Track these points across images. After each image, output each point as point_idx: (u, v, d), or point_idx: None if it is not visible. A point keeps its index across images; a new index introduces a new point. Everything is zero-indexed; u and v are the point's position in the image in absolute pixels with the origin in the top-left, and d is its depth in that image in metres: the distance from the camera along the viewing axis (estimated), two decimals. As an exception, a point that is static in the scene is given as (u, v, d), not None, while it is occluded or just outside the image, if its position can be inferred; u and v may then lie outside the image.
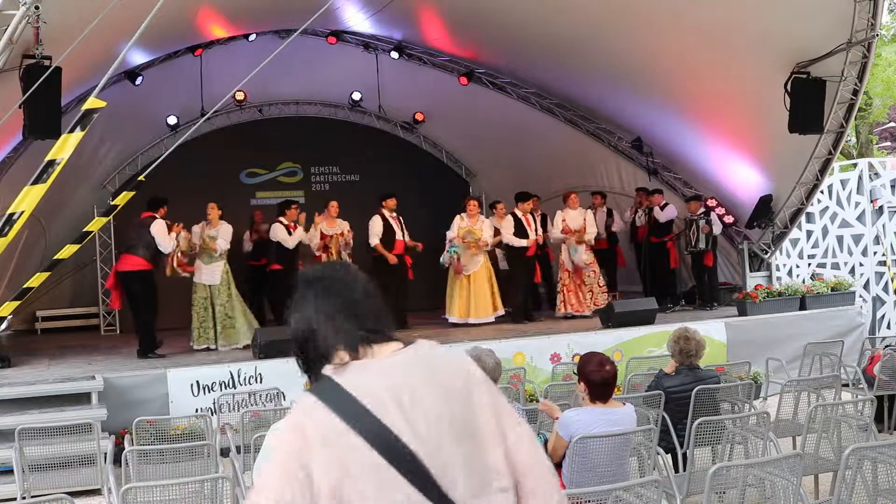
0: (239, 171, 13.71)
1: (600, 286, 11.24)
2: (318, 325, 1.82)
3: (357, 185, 13.78)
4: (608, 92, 11.84)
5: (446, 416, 1.72)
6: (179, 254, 9.29)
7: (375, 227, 10.51)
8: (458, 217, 10.71)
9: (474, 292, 10.57)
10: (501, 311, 10.69)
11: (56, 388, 7.22)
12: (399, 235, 10.60)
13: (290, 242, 10.20)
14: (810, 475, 5.24)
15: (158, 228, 8.90)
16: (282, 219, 10.35)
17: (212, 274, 9.51)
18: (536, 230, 11.02)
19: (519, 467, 1.77)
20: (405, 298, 10.89)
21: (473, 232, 10.52)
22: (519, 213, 10.87)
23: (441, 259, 10.64)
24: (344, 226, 10.50)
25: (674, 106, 11.07)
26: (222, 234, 9.57)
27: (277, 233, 10.28)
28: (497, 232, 11.19)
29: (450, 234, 10.65)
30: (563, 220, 11.22)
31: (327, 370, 1.79)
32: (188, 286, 9.63)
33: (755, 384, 8.33)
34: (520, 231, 10.79)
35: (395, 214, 10.68)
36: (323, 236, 10.38)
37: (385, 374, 1.75)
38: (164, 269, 9.31)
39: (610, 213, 12.50)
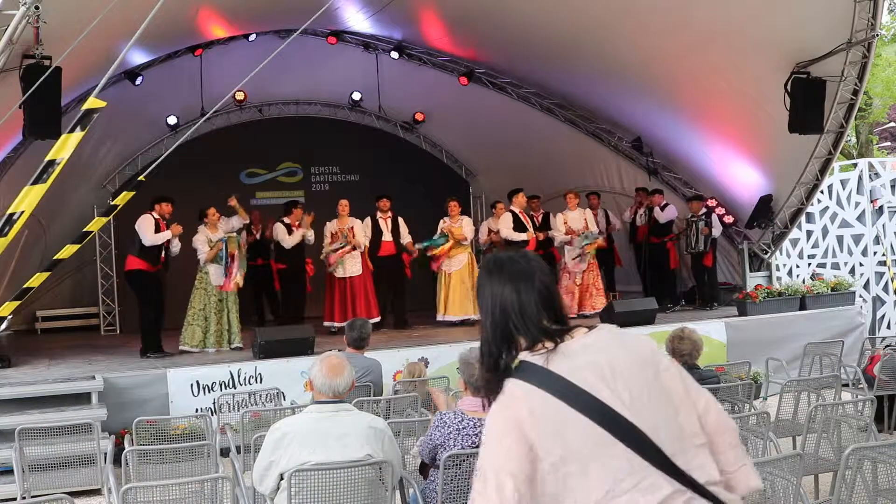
0: (239, 171, 13.71)
1: (598, 288, 11.22)
2: (521, 315, 1.95)
3: (357, 185, 13.78)
4: (608, 92, 11.84)
5: (644, 385, 1.89)
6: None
7: (365, 228, 10.74)
8: (441, 221, 10.88)
9: (452, 290, 10.65)
10: (475, 316, 10.71)
11: (56, 388, 7.22)
12: (387, 237, 10.71)
13: (287, 242, 10.32)
14: (810, 475, 5.24)
15: (140, 223, 8.90)
16: (285, 219, 10.47)
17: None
18: (536, 228, 11.07)
19: (710, 428, 1.95)
20: (402, 297, 10.97)
21: (452, 231, 10.68)
22: (516, 210, 10.89)
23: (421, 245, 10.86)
24: (356, 224, 10.53)
25: (674, 106, 11.07)
26: (232, 226, 9.62)
27: (277, 232, 10.45)
28: (490, 232, 11.24)
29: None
30: (565, 222, 11.23)
31: (526, 356, 1.92)
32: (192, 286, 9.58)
33: (755, 384, 8.31)
34: (518, 226, 10.84)
35: (388, 215, 10.76)
36: (333, 236, 10.44)
37: (585, 352, 1.91)
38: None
39: (606, 214, 12.49)
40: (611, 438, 1.81)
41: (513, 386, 1.89)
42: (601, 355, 1.91)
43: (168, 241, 9.02)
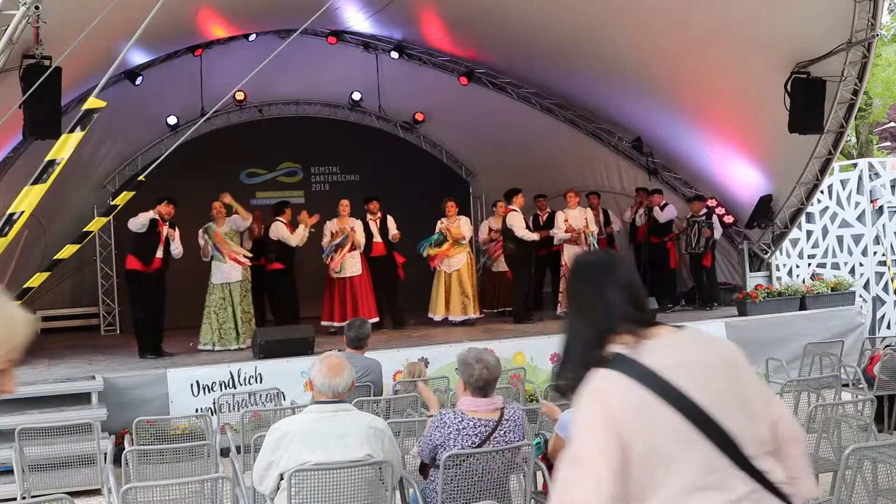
0: (239, 171, 13.70)
1: None
2: (606, 309, 2.01)
3: (357, 185, 13.76)
4: (608, 92, 11.84)
5: (728, 386, 1.93)
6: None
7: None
8: (439, 222, 10.87)
9: (451, 291, 10.66)
10: (475, 315, 10.72)
11: (56, 388, 7.22)
12: (377, 238, 10.73)
13: (292, 240, 10.33)
14: (810, 475, 5.23)
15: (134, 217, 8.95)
16: (280, 218, 10.49)
17: (231, 271, 9.50)
18: (541, 227, 11.13)
19: (781, 436, 2.00)
20: (396, 297, 10.99)
21: (451, 230, 10.67)
22: (517, 209, 10.88)
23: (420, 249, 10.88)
24: (357, 225, 10.54)
25: (674, 106, 11.07)
26: (237, 225, 9.64)
27: (279, 231, 10.41)
28: (490, 231, 11.22)
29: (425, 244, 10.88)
30: (566, 220, 11.24)
31: (616, 349, 1.96)
32: (199, 286, 9.58)
33: (755, 384, 8.32)
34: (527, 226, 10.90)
35: (377, 216, 10.83)
36: (332, 235, 10.47)
37: (673, 350, 1.95)
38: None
39: (605, 213, 12.49)
40: (696, 434, 1.84)
41: (604, 376, 1.92)
42: (688, 353, 1.95)
43: (164, 241, 9.01)
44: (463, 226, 10.78)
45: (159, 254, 9.00)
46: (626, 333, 1.98)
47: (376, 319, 10.29)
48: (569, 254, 11.15)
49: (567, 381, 2.01)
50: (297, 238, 10.37)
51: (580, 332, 2.02)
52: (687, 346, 1.97)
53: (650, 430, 1.84)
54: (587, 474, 1.82)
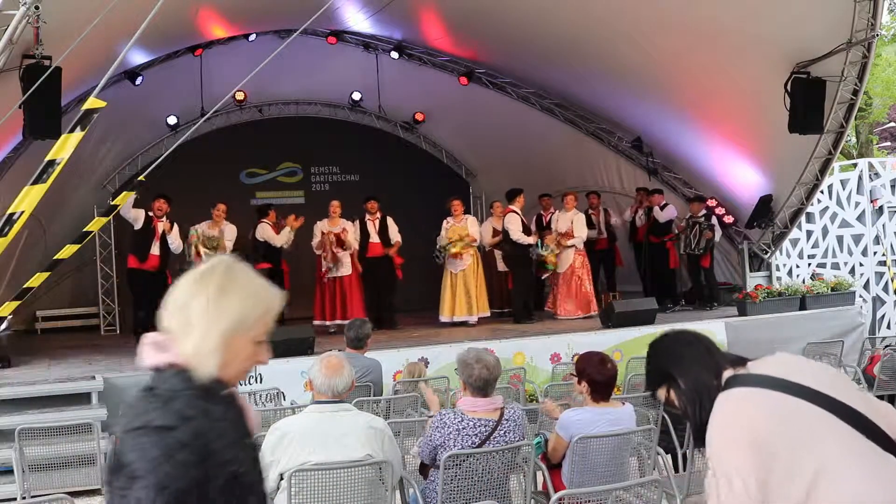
0: (239, 171, 13.71)
1: (585, 291, 11.14)
2: (711, 355, 2.25)
3: (357, 185, 13.77)
4: (608, 92, 11.84)
5: (844, 385, 2.07)
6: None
7: (354, 230, 10.79)
8: (444, 221, 10.82)
9: (459, 291, 10.64)
10: (484, 314, 10.70)
11: (56, 388, 7.21)
12: (374, 238, 10.72)
13: (277, 241, 10.42)
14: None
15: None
16: (265, 220, 10.56)
17: None
18: (544, 227, 11.15)
19: (892, 426, 2.07)
20: (392, 297, 10.97)
21: (458, 231, 10.64)
22: (517, 210, 10.87)
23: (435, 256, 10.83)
24: (348, 226, 10.55)
25: (674, 106, 11.07)
26: (227, 235, 9.64)
27: (265, 232, 10.53)
28: (496, 233, 11.20)
29: (440, 240, 10.82)
30: (557, 221, 11.27)
31: (729, 373, 2.15)
32: None
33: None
34: (525, 228, 10.86)
35: (375, 217, 10.81)
36: (322, 235, 10.48)
37: (781, 364, 2.10)
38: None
39: (606, 213, 12.48)
40: (839, 421, 1.94)
41: (728, 395, 2.06)
42: (797, 364, 2.12)
43: (160, 237, 9.02)
44: (471, 226, 10.74)
45: (155, 250, 9.02)
46: (731, 368, 2.17)
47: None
48: (565, 256, 11.15)
49: (705, 419, 2.13)
50: (282, 239, 10.43)
51: (698, 380, 2.19)
52: (790, 360, 2.12)
53: (794, 424, 1.94)
54: (738, 489, 1.93)
